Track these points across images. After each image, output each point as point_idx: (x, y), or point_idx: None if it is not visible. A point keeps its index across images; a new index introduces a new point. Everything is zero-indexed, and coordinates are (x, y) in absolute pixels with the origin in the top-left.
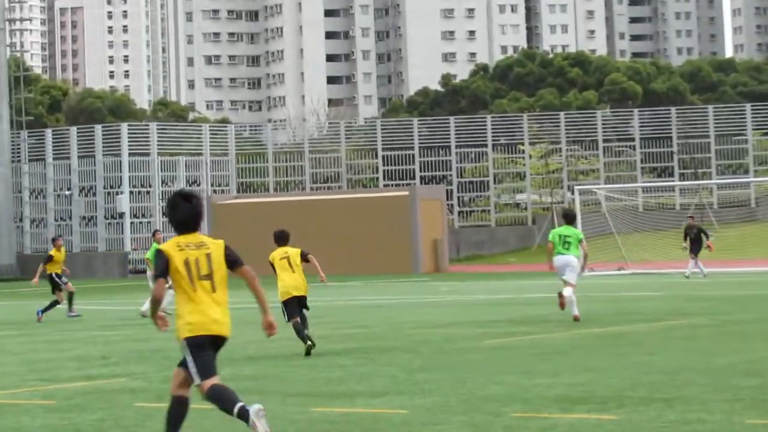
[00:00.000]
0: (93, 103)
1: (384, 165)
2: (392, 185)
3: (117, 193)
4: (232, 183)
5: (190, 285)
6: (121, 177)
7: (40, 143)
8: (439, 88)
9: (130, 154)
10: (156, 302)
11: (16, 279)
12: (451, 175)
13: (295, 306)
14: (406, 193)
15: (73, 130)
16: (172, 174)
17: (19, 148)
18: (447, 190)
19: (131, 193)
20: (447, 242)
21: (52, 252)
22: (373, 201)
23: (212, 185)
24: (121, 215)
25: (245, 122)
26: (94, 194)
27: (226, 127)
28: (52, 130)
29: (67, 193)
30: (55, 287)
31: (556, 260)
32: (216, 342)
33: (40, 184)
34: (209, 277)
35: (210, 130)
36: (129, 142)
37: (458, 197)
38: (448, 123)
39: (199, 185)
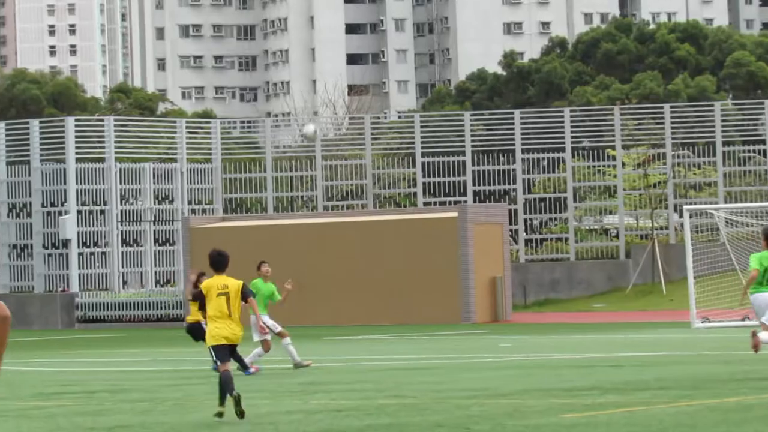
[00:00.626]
0: (26, 90)
1: (424, 176)
2: (435, 204)
3: (60, 213)
4: (217, 199)
5: None
6: (65, 191)
7: None
8: (499, 70)
9: (78, 160)
10: None
11: None
12: (515, 190)
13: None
14: (455, 214)
15: (0, 126)
16: (135, 187)
17: None
18: (510, 211)
19: (80, 213)
20: (510, 282)
21: None
22: (409, 225)
23: (190, 202)
24: (66, 243)
25: (235, 117)
26: (29, 214)
27: (209, 123)
28: None
29: None
30: None
31: (756, 298)
32: None
33: None
34: None
35: (187, 127)
36: (77, 143)
37: (525, 220)
38: (512, 119)
39: (171, 202)
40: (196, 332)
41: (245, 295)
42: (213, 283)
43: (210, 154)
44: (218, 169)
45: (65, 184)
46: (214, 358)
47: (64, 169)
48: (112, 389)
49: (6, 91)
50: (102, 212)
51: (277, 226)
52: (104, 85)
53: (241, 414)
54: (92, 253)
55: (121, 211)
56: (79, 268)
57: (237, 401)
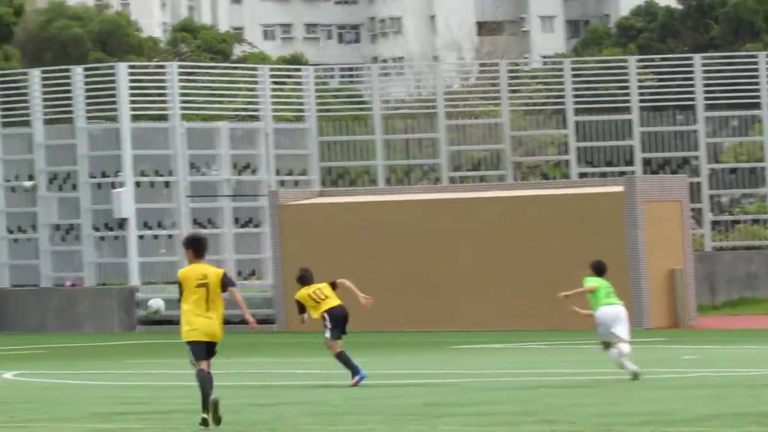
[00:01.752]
0: (66, 28)
1: (578, 139)
2: (594, 175)
3: (113, 186)
4: (312, 169)
5: None
6: (119, 157)
7: None
8: (673, 3)
9: (133, 118)
10: None
11: None
12: (697, 158)
13: None
14: (620, 188)
15: (34, 74)
16: (207, 152)
17: None
18: (691, 185)
19: (138, 185)
20: (693, 276)
21: None
22: (559, 203)
23: (278, 172)
24: (122, 223)
25: (332, 62)
26: (74, 187)
27: (299, 70)
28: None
29: (26, 185)
30: None
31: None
32: None
33: None
34: None
35: (272, 76)
36: (131, 96)
37: (711, 197)
38: (691, 65)
39: (254, 172)
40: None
41: (225, 285)
42: (190, 272)
43: (302, 110)
44: (313, 130)
45: (118, 148)
46: (190, 357)
47: (117, 130)
48: (189, 409)
49: (40, 29)
50: (167, 184)
51: (389, 202)
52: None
53: (218, 421)
54: (155, 237)
55: (191, 184)
56: (139, 256)
57: (215, 406)
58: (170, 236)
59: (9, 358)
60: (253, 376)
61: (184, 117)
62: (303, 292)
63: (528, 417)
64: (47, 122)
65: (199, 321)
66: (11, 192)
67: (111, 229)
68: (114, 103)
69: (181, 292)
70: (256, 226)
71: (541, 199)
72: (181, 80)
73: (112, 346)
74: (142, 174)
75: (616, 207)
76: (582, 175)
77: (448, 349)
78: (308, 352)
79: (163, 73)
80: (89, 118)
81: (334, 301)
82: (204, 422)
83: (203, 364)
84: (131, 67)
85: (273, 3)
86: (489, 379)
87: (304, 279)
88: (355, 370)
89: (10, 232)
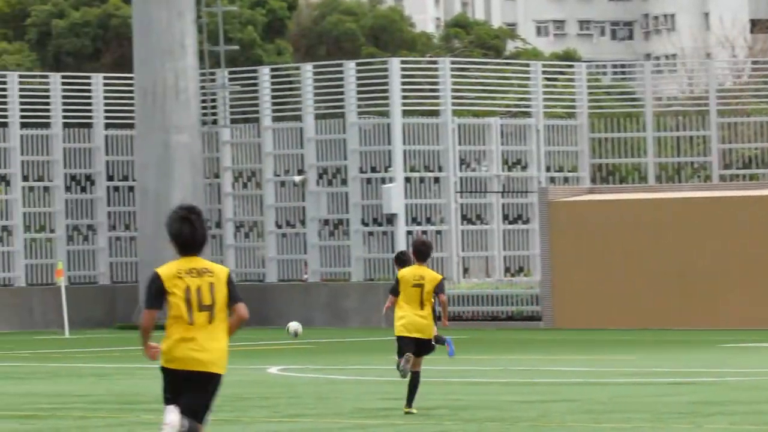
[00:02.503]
0: (340, 23)
1: None
2: None
3: (383, 181)
4: (582, 165)
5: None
6: (389, 152)
7: (250, 92)
8: None
9: (405, 113)
10: None
11: None
12: None
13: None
14: None
15: (306, 68)
16: (478, 148)
17: (214, 102)
18: None
19: (408, 181)
20: None
21: None
22: None
23: (548, 169)
24: (391, 219)
25: (605, 59)
26: (343, 182)
27: (572, 67)
28: (270, 69)
29: (296, 179)
30: None
31: None
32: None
33: (250, 162)
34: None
35: (544, 72)
36: (403, 90)
37: None
38: None
39: (525, 168)
40: None
41: (437, 291)
42: (409, 273)
43: (573, 107)
44: (584, 127)
45: (389, 143)
46: (398, 351)
47: (388, 125)
48: (453, 405)
49: (314, 24)
50: (436, 180)
51: (659, 200)
52: (437, 17)
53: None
54: (424, 232)
55: (461, 179)
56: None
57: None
58: (438, 232)
59: (275, 352)
60: (519, 374)
61: (455, 113)
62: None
63: None
64: (318, 117)
65: (411, 318)
66: (281, 186)
67: (380, 225)
68: (386, 98)
69: (397, 290)
70: (525, 222)
71: None
72: (453, 76)
73: (378, 342)
74: (412, 169)
75: None
76: None
77: (716, 348)
78: (575, 349)
79: (436, 69)
80: (360, 113)
81: None
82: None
83: (408, 356)
84: (404, 62)
85: (548, 1)
86: (758, 378)
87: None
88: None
89: (279, 226)
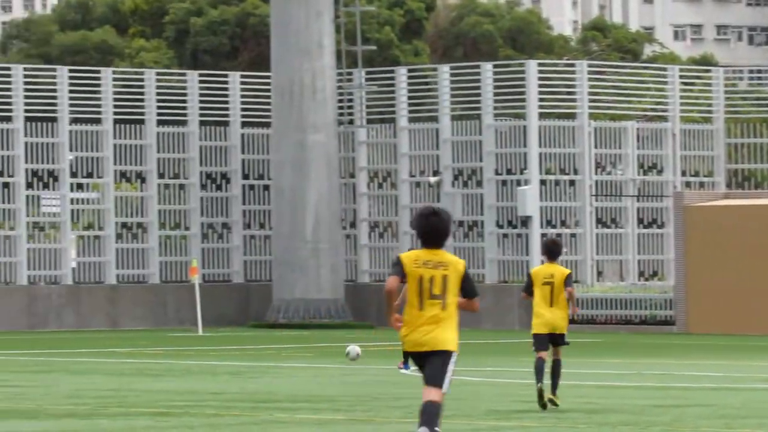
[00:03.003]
0: (477, 25)
1: None
2: None
3: (518, 183)
4: (718, 170)
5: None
6: (524, 155)
7: (387, 92)
8: None
9: (541, 115)
10: None
11: (344, 325)
12: None
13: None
14: None
15: (443, 69)
16: (614, 152)
17: (351, 102)
18: None
19: (543, 183)
20: None
21: None
22: None
23: (684, 173)
24: (525, 221)
25: (742, 64)
26: (480, 183)
27: (709, 71)
28: (407, 70)
29: (432, 180)
30: None
31: None
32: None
33: (386, 162)
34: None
35: (681, 77)
36: (540, 94)
37: None
38: None
39: (660, 173)
40: None
41: (566, 284)
42: (540, 271)
43: (710, 111)
44: (720, 132)
45: (525, 145)
46: (534, 347)
47: (524, 127)
48: (587, 409)
49: (452, 25)
50: (571, 183)
51: None
52: (574, 20)
53: (543, 406)
54: (558, 235)
55: (596, 182)
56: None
57: (539, 394)
58: (573, 236)
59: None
60: (653, 378)
61: (592, 116)
62: None
63: None
64: (454, 118)
65: (544, 314)
66: (416, 187)
67: (514, 227)
68: (522, 100)
69: (530, 288)
70: (660, 226)
71: None
72: (590, 79)
73: (512, 344)
74: (548, 172)
75: None
76: None
77: None
78: (709, 354)
79: (573, 72)
80: (496, 114)
81: None
82: (542, 405)
83: (543, 354)
84: (541, 64)
85: (684, 3)
86: None
87: None
88: None
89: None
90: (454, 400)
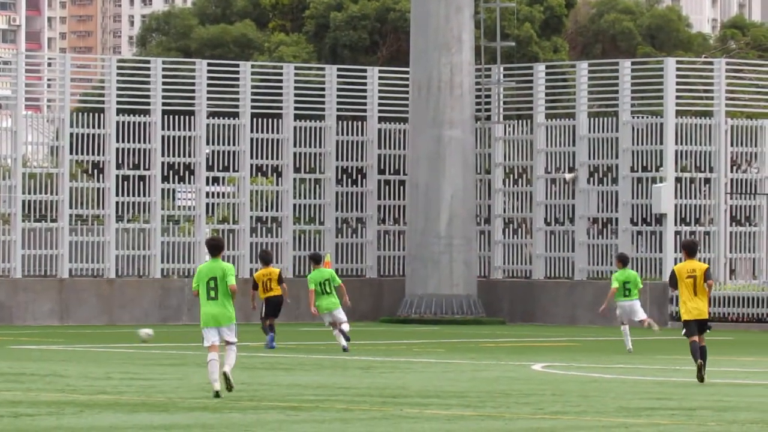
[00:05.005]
0: (617, 22)
1: None
2: None
3: (654, 181)
4: None
5: None
6: (661, 152)
7: (524, 89)
8: None
9: (678, 113)
10: None
11: (476, 321)
12: None
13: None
14: None
15: (582, 66)
16: (749, 150)
17: (488, 98)
18: None
19: (678, 181)
20: None
21: None
22: None
23: None
24: (660, 219)
25: None
26: (615, 180)
27: None
28: (546, 66)
29: (567, 176)
30: None
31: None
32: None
33: (522, 158)
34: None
35: None
36: (678, 91)
37: None
38: None
39: None
40: None
41: (705, 277)
42: (683, 266)
43: None
44: None
45: (661, 143)
46: (684, 331)
47: (661, 125)
48: (716, 406)
49: (591, 22)
50: (707, 181)
51: None
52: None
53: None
54: (692, 233)
55: (731, 180)
56: (675, 251)
57: (699, 369)
58: (707, 233)
59: (539, 349)
60: None
61: (729, 114)
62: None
63: None
64: (591, 115)
65: (690, 303)
66: (551, 183)
67: (648, 224)
68: (660, 97)
69: (675, 281)
70: None
71: None
72: (728, 77)
73: (643, 341)
74: (683, 170)
75: None
76: None
77: None
78: None
79: (711, 69)
80: (633, 112)
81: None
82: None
83: (694, 338)
84: (679, 62)
85: None
86: None
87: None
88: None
89: (548, 224)
90: (585, 397)
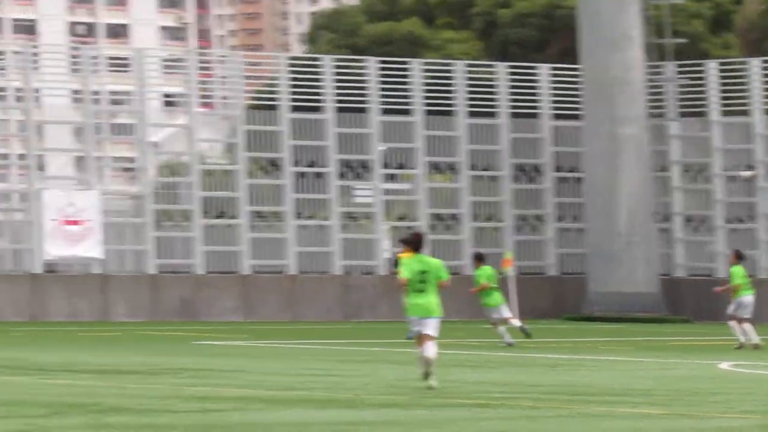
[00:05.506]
0: None
1: None
2: None
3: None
4: None
5: None
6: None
7: (696, 86)
8: None
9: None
10: None
11: (660, 319)
12: None
13: None
14: None
15: (754, 63)
16: None
17: (660, 95)
18: None
19: None
20: None
21: None
22: None
23: None
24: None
25: None
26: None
27: None
28: (718, 63)
29: (745, 174)
30: None
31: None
32: None
33: (698, 156)
34: None
35: None
36: None
37: None
38: None
39: None
40: None
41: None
42: None
43: None
44: None
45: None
46: None
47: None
48: None
49: (761, 18)
50: None
51: None
52: None
53: None
54: None
55: None
56: None
57: None
58: None
59: (726, 348)
60: None
61: None
62: None
63: None
64: (726, 113)
65: None
66: (730, 181)
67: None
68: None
69: None
70: None
71: None
72: None
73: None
74: None
75: None
76: None
77: None
78: None
79: None
80: None
81: None
82: None
83: None
84: None
85: None
86: None
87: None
88: None
89: (728, 221)
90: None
